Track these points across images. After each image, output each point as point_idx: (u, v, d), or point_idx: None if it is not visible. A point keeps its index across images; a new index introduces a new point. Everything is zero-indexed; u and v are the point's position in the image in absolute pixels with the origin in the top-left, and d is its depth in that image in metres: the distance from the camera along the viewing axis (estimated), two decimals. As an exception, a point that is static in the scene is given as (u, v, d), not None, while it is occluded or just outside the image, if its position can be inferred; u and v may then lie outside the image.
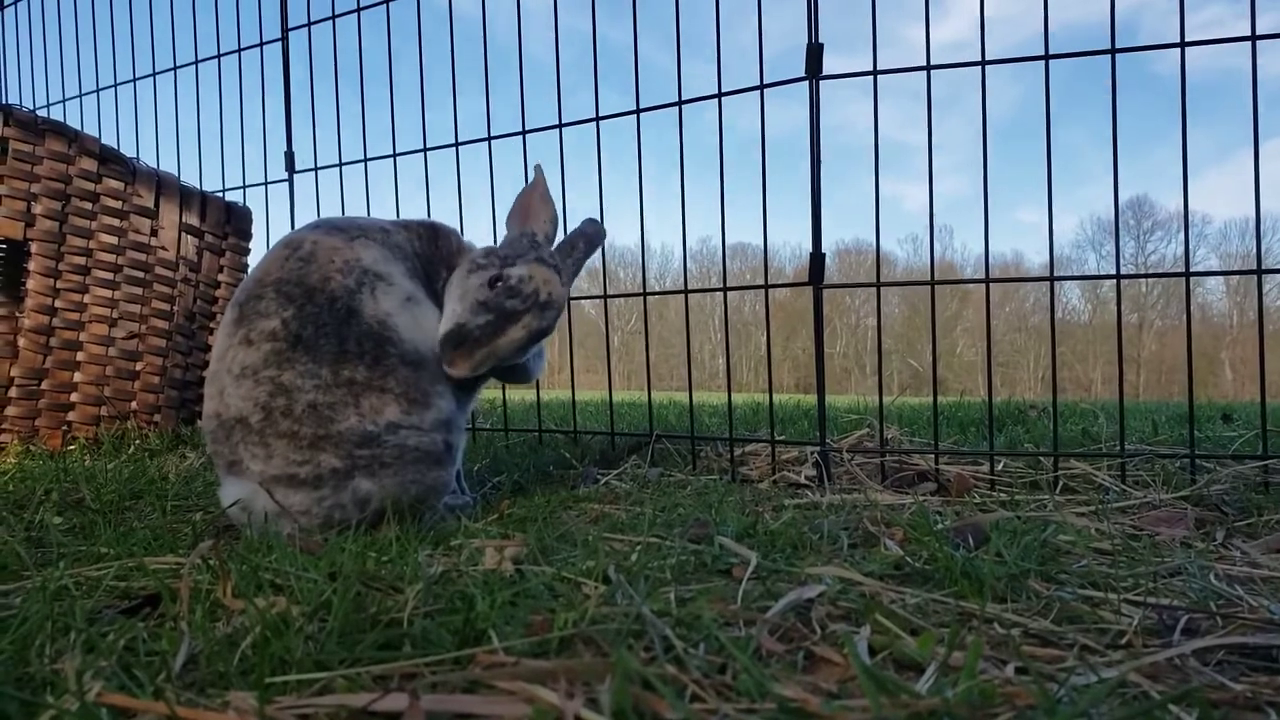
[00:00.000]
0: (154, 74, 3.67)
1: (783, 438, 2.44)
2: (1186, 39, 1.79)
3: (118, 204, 2.75)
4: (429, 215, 2.71)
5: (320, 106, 2.97)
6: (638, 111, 2.32)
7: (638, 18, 2.33)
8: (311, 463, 1.34)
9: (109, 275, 2.74)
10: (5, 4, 4.40)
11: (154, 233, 2.85)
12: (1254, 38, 1.76)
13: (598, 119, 2.40)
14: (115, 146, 2.81)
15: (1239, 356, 25.65)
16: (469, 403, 1.71)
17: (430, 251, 1.60)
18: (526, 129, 2.50)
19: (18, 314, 2.63)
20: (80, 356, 2.69)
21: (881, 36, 1.99)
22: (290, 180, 3.08)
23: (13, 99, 4.35)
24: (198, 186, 3.07)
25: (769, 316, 2.30)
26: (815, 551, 1.23)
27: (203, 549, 1.10)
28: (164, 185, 2.88)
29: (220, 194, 3.19)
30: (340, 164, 2.90)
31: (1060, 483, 1.88)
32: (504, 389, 2.75)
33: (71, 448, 2.61)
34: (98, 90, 3.91)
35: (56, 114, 4.06)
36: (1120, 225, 1.94)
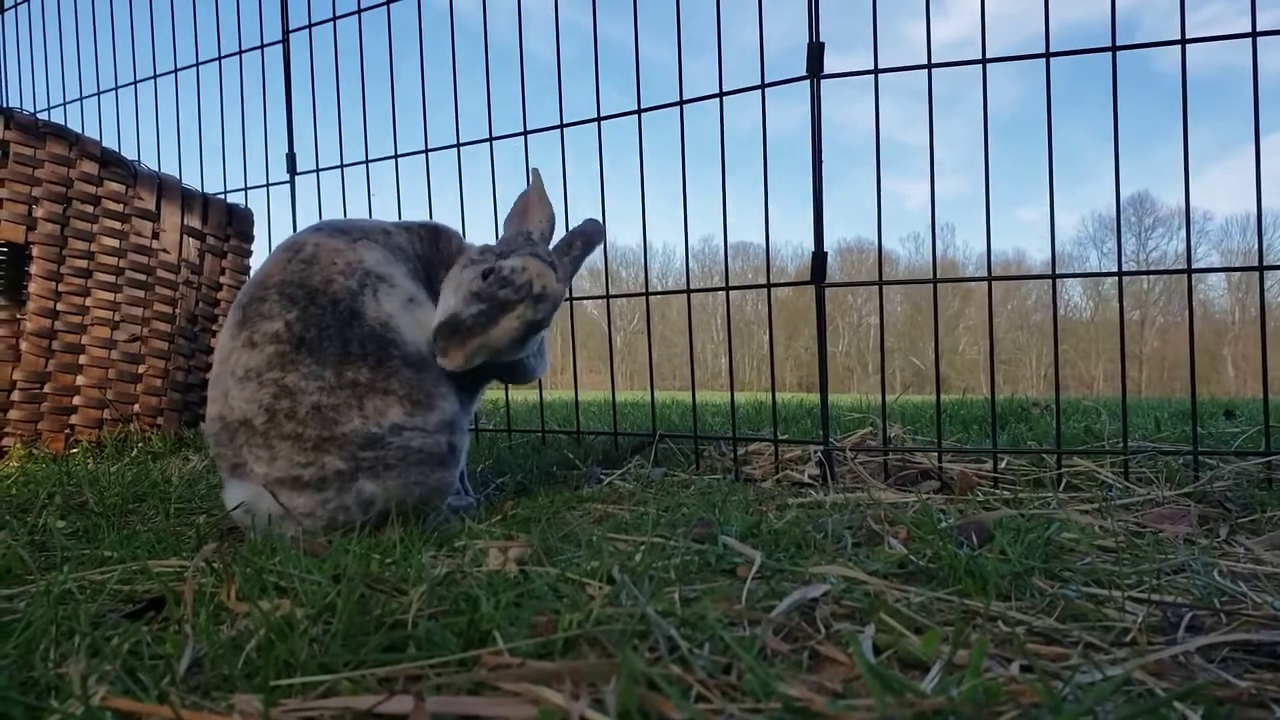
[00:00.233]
0: (155, 76, 3.68)
1: (786, 437, 2.44)
2: (1187, 36, 1.79)
3: (119, 207, 2.75)
4: (431, 216, 2.71)
5: (321, 108, 2.97)
6: (639, 111, 2.32)
7: (638, 17, 2.33)
8: (316, 464, 1.34)
9: (111, 278, 2.74)
10: (6, 7, 4.41)
11: (155, 235, 2.85)
12: (1254, 34, 1.75)
13: (599, 119, 2.40)
14: (116, 149, 2.82)
15: (1241, 353, 25.63)
16: (472, 404, 1.71)
17: (431, 253, 1.61)
18: (528, 129, 2.50)
19: (20, 317, 2.63)
20: (82, 359, 2.70)
21: (882, 35, 1.98)
22: (292, 182, 3.08)
23: (13, 102, 4.36)
24: (199, 189, 3.07)
25: (771, 316, 2.30)
26: (819, 550, 1.23)
27: (207, 552, 1.10)
28: (165, 188, 2.88)
29: (222, 196, 3.19)
30: (342, 165, 2.91)
31: (1063, 480, 1.88)
32: (506, 390, 2.75)
33: (74, 451, 2.62)
34: (99, 93, 3.92)
35: (57, 117, 4.07)
36: (1122, 222, 1.94)
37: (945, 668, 0.73)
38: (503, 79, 2.56)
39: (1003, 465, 2.03)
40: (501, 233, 1.68)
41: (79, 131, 2.72)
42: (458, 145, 2.64)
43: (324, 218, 2.81)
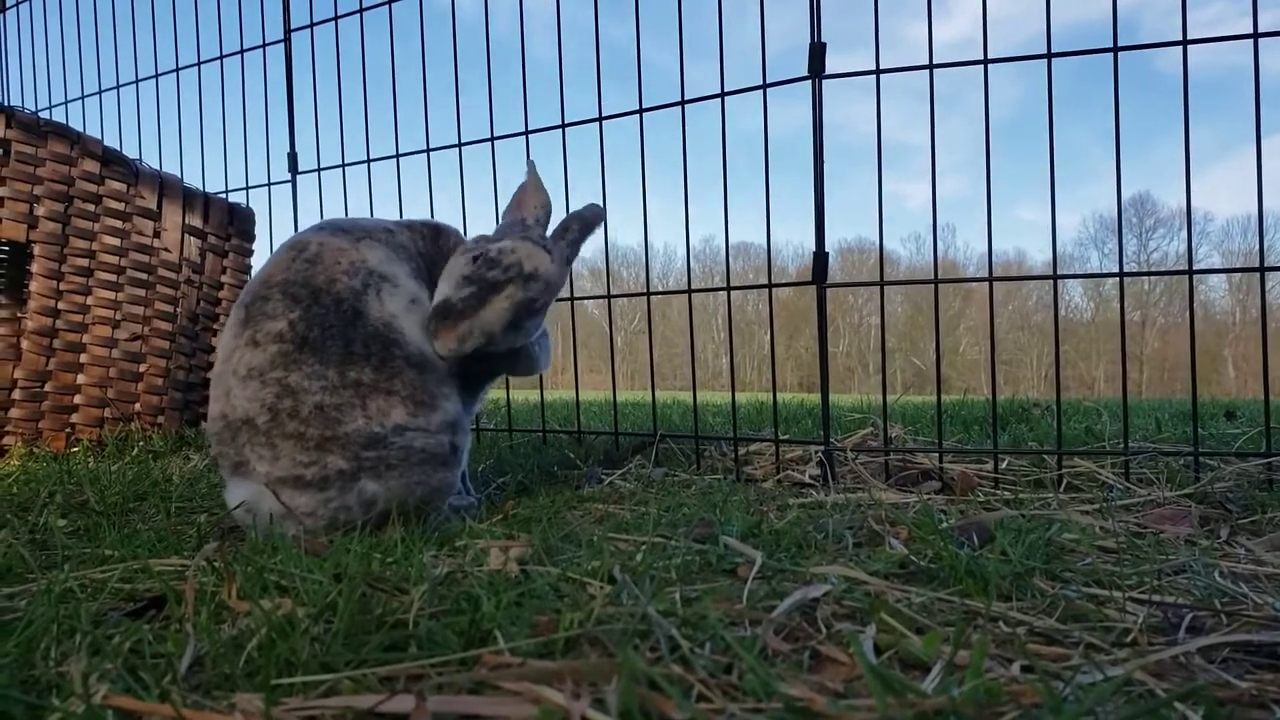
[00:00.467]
0: (156, 75, 3.68)
1: (787, 437, 2.44)
2: (1189, 37, 1.79)
3: (120, 206, 2.75)
4: (432, 216, 2.72)
5: (323, 107, 2.98)
6: (640, 111, 2.32)
7: (640, 17, 2.33)
8: (318, 464, 1.34)
9: (112, 277, 2.74)
10: (7, 5, 4.41)
11: (157, 234, 2.85)
12: (1256, 35, 1.75)
13: (600, 119, 2.40)
14: (118, 148, 2.82)
15: (1242, 354, 25.63)
16: (475, 404, 1.71)
17: (433, 251, 1.61)
18: (529, 129, 2.50)
19: (20, 316, 2.63)
20: (83, 358, 2.70)
21: (884, 36, 1.98)
22: (293, 181, 3.08)
23: (15, 101, 4.36)
24: (200, 188, 3.08)
25: (773, 316, 2.30)
26: (820, 551, 1.23)
27: (208, 551, 1.10)
28: (167, 187, 2.88)
29: (223, 195, 3.19)
30: (343, 165, 2.91)
31: (1064, 481, 1.88)
32: (508, 390, 2.75)
33: (75, 450, 2.62)
34: (100, 92, 3.92)
35: (59, 116, 4.07)
36: (1123, 223, 1.94)
37: (946, 668, 0.73)
38: (504, 79, 2.56)
39: (1004, 466, 2.03)
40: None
41: (80, 130, 2.72)
42: (459, 145, 2.64)
43: (326, 217, 2.81)
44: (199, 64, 3.48)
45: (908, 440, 2.48)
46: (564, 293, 2.43)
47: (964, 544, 1.21)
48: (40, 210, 2.58)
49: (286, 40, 3.07)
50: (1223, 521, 1.49)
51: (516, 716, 0.62)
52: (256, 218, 3.19)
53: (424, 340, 1.47)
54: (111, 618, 0.90)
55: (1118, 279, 1.91)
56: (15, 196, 2.53)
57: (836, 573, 1.05)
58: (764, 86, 2.11)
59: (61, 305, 2.64)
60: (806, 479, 2.04)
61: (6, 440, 2.57)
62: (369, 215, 2.73)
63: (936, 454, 2.06)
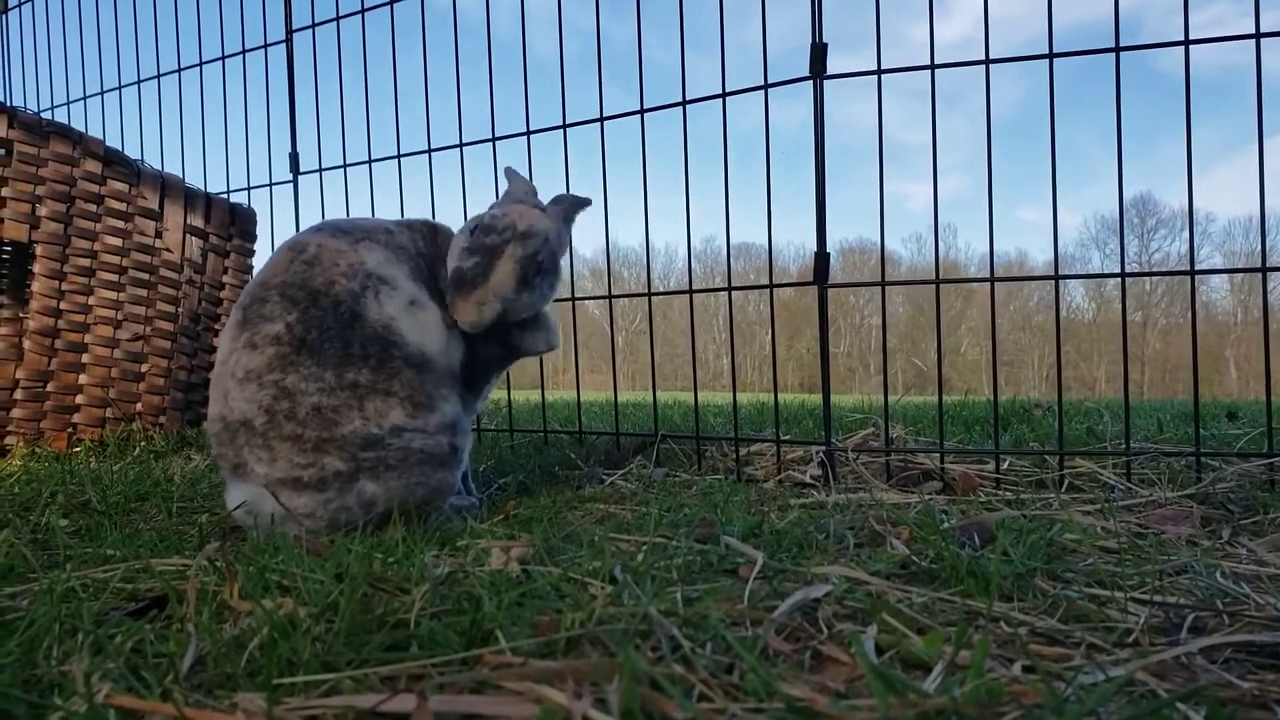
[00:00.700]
0: (158, 76, 3.68)
1: (788, 437, 2.44)
2: (1191, 37, 1.79)
3: (122, 206, 2.75)
4: (434, 216, 2.71)
5: (325, 107, 2.98)
6: (641, 111, 2.32)
7: (641, 17, 2.33)
8: (316, 465, 1.34)
9: (114, 277, 2.74)
10: (10, 6, 4.41)
11: (159, 234, 2.86)
12: (1258, 35, 1.75)
13: (601, 119, 2.40)
14: (120, 149, 2.82)
15: (1243, 355, 25.59)
16: (477, 402, 1.71)
17: (432, 251, 1.61)
18: (531, 129, 2.50)
19: (22, 316, 2.64)
20: (85, 358, 2.70)
21: (885, 36, 1.98)
22: (295, 181, 3.09)
23: (17, 101, 4.36)
24: (202, 188, 3.08)
25: (774, 316, 2.30)
26: (821, 551, 1.23)
27: (209, 550, 1.10)
28: (168, 187, 2.89)
29: (225, 195, 3.19)
30: (345, 165, 2.91)
31: (1066, 481, 1.88)
32: (509, 389, 2.75)
33: (77, 450, 2.62)
34: (102, 92, 3.92)
35: (61, 116, 4.08)
36: (1124, 223, 1.93)
37: (947, 668, 0.73)
38: (505, 79, 2.56)
39: (1005, 466, 2.03)
40: None
41: (83, 130, 2.72)
42: (460, 145, 2.64)
43: (327, 217, 2.81)
44: (201, 64, 3.48)
45: (909, 441, 2.48)
46: (565, 293, 2.44)
47: (965, 544, 1.20)
48: (42, 210, 2.58)
49: (288, 40, 3.08)
50: (1224, 522, 1.49)
51: (518, 716, 0.62)
52: (258, 218, 3.19)
53: (423, 341, 1.47)
54: (113, 617, 0.90)
55: (1119, 279, 1.91)
56: (17, 197, 2.53)
57: (838, 573, 1.05)
58: (765, 87, 2.11)
59: (63, 305, 2.64)
60: (808, 479, 2.03)
61: (8, 440, 2.57)
62: (370, 215, 2.74)
63: (938, 454, 2.06)
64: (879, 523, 1.41)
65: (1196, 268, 1.86)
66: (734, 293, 2.27)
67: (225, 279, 3.06)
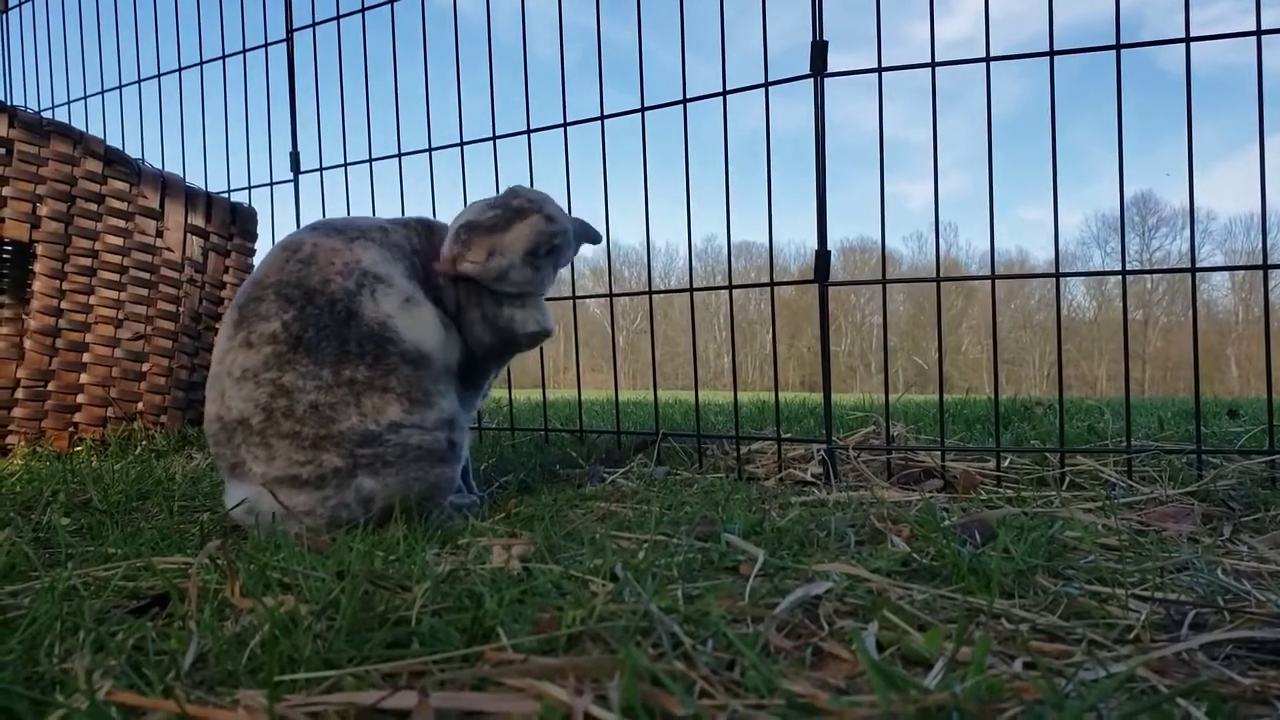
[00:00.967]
0: (159, 75, 3.68)
1: (789, 435, 2.44)
2: (1191, 34, 1.79)
3: (123, 205, 2.76)
4: (434, 215, 2.72)
5: (325, 107, 2.98)
6: (642, 110, 2.32)
7: (642, 15, 2.33)
8: (314, 463, 1.34)
9: (114, 276, 2.74)
10: (10, 5, 4.41)
11: (159, 234, 2.86)
12: (1259, 32, 1.75)
13: (602, 117, 2.40)
14: (120, 148, 2.82)
15: (1244, 353, 25.57)
16: (476, 399, 1.71)
17: (427, 249, 1.60)
18: (531, 128, 2.50)
19: (24, 315, 2.64)
20: (86, 358, 2.70)
21: (886, 35, 1.98)
22: (295, 181, 3.09)
23: (18, 101, 4.36)
24: (203, 187, 3.08)
25: (774, 314, 2.29)
26: (822, 548, 1.23)
27: (210, 548, 1.10)
28: (169, 186, 2.89)
29: (225, 195, 3.19)
30: (345, 164, 2.91)
31: (1067, 479, 1.88)
32: (510, 388, 2.76)
33: (78, 449, 2.62)
34: (103, 92, 3.92)
35: (62, 116, 4.08)
36: (1125, 221, 1.93)
37: (948, 665, 0.73)
38: (506, 78, 2.56)
39: (1006, 464, 2.03)
40: None
41: (83, 130, 2.73)
42: (461, 144, 2.64)
43: (328, 216, 2.81)
44: (201, 63, 3.48)
45: (910, 439, 2.48)
46: (565, 291, 2.44)
47: (966, 541, 1.21)
48: (43, 210, 2.58)
49: (289, 39, 3.08)
50: (1225, 519, 1.49)
51: (519, 713, 0.63)
52: (259, 217, 3.19)
53: (420, 338, 1.47)
54: (115, 615, 0.90)
55: (1120, 277, 1.91)
56: (18, 196, 2.53)
57: (839, 570, 1.05)
58: (766, 85, 2.11)
59: (64, 305, 2.65)
60: (808, 477, 2.03)
61: (10, 439, 2.57)
62: (371, 214, 2.73)
63: (939, 452, 2.05)
64: (880, 520, 1.41)
65: (1197, 265, 1.86)
66: (735, 291, 2.27)
67: (226, 278, 3.06)
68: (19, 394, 2.58)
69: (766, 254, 2.26)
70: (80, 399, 2.69)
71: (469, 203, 1.63)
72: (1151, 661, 0.76)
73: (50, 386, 2.63)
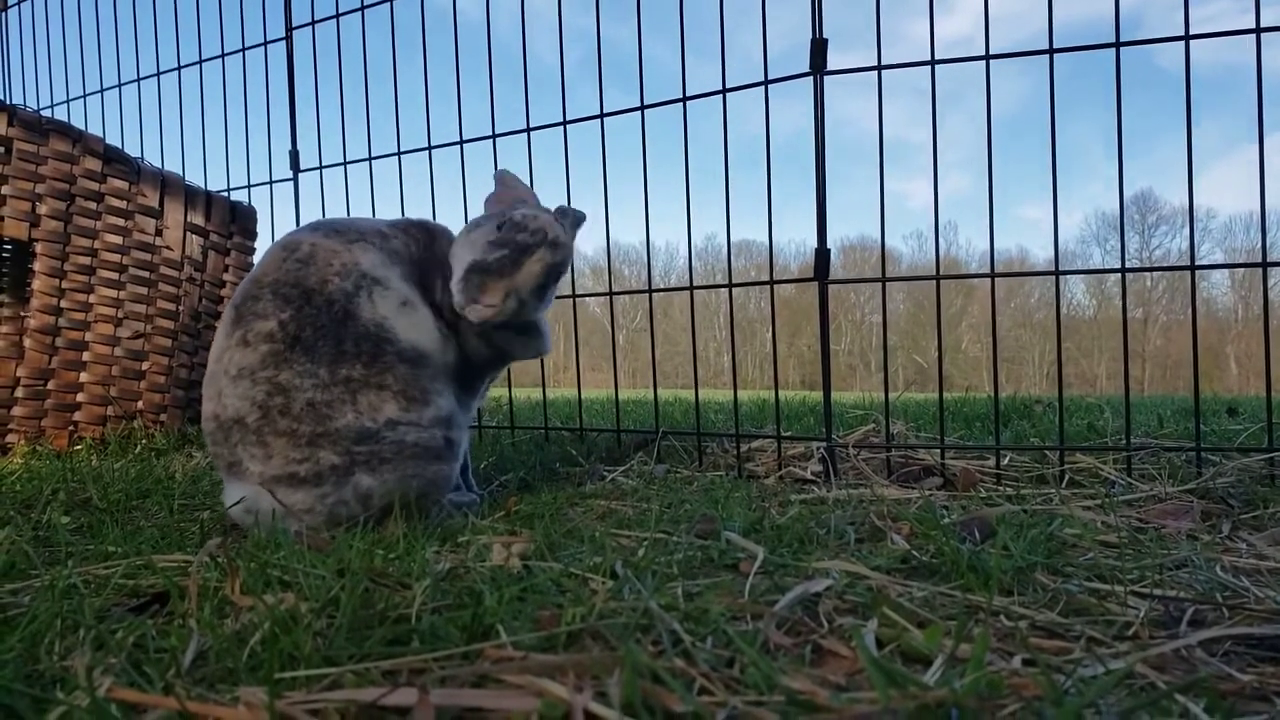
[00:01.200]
0: (158, 74, 3.68)
1: (788, 434, 2.44)
2: (1191, 32, 1.79)
3: (122, 204, 2.75)
4: (434, 213, 2.72)
5: (325, 105, 2.98)
6: (642, 108, 2.32)
7: (641, 13, 2.33)
8: (311, 460, 1.34)
9: (114, 275, 2.74)
10: (9, 4, 4.41)
11: (159, 232, 2.86)
12: (1259, 30, 1.75)
13: (602, 116, 2.40)
14: (120, 146, 2.82)
15: (1244, 351, 25.59)
16: (473, 401, 1.71)
17: (425, 255, 1.60)
18: (531, 126, 2.50)
19: (23, 314, 2.64)
20: (86, 356, 2.70)
21: (886, 34, 1.98)
22: (295, 179, 3.09)
23: (17, 99, 4.36)
24: (202, 186, 3.08)
25: (774, 313, 2.29)
26: (822, 546, 1.23)
27: (210, 547, 1.10)
28: (169, 185, 2.89)
29: (225, 193, 3.19)
30: (345, 163, 2.91)
31: (1066, 477, 1.88)
32: (510, 386, 2.76)
33: (78, 448, 2.62)
34: (102, 90, 3.92)
35: (61, 114, 4.08)
36: (1125, 220, 1.93)
37: (947, 661, 0.74)
38: (505, 77, 2.57)
39: (1005, 462, 2.03)
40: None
41: (82, 128, 2.72)
42: (460, 142, 2.64)
43: (327, 215, 2.81)
44: (200, 62, 3.48)
45: (910, 437, 2.48)
46: (565, 289, 2.44)
47: (966, 539, 1.21)
48: (42, 208, 2.58)
49: (288, 38, 3.08)
50: (1224, 516, 1.50)
51: (519, 709, 0.63)
52: (258, 216, 3.19)
53: (417, 339, 1.46)
54: (115, 613, 0.91)
55: (1120, 275, 1.91)
56: (17, 195, 2.53)
57: (838, 568, 1.05)
58: (765, 83, 2.11)
59: (64, 303, 2.65)
60: (808, 475, 2.04)
61: (10, 438, 2.57)
62: (371, 213, 2.73)
63: (939, 450, 2.06)
64: (880, 518, 1.42)
65: (1197, 263, 1.86)
66: (735, 290, 2.27)
67: (226, 277, 3.06)
68: (19, 393, 2.58)
69: (766, 252, 2.26)
70: (80, 398, 2.69)
71: (469, 204, 1.62)
72: (1150, 658, 0.76)
73: (50, 385, 2.63)
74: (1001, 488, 1.84)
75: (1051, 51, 1.87)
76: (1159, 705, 0.64)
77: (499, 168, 1.82)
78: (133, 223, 2.78)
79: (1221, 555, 1.18)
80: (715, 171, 2.22)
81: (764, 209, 2.14)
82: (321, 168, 2.99)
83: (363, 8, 2.84)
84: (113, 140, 2.83)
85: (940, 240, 2.05)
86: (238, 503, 1.38)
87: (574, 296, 2.52)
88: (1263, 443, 1.93)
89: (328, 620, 0.82)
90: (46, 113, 3.40)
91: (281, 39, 3.10)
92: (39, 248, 2.59)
